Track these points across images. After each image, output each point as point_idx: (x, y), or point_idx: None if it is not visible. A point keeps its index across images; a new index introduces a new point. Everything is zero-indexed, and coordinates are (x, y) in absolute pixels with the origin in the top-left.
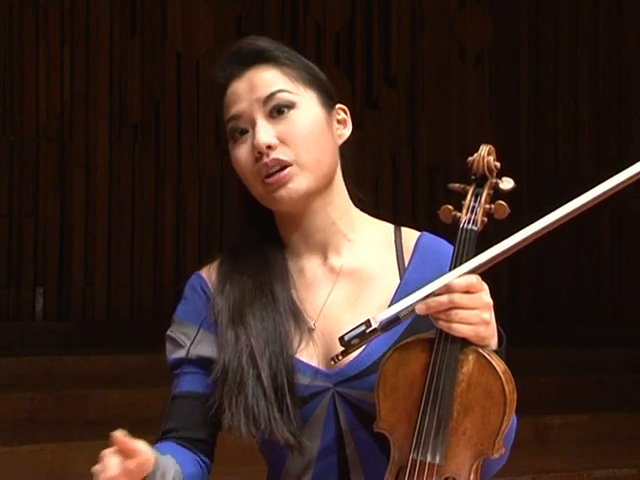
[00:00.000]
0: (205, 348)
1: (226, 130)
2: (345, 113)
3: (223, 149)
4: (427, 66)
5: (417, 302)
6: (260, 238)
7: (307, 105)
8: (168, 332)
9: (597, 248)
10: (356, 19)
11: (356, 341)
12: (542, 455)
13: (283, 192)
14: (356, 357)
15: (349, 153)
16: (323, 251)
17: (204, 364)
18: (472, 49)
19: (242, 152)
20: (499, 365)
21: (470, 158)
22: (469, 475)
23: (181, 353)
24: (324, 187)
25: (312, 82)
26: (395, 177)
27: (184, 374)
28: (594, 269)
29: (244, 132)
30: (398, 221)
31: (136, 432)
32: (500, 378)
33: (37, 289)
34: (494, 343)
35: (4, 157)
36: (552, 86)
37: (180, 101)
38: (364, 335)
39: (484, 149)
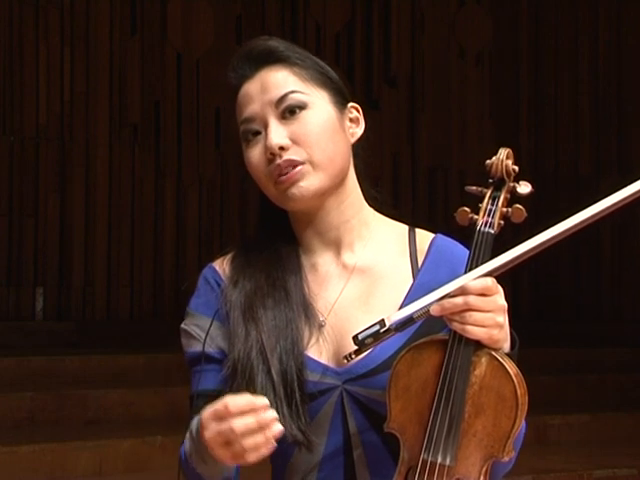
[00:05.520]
0: (223, 342)
1: (239, 132)
2: (358, 112)
3: (223, 149)
4: (427, 66)
5: (432, 303)
6: (273, 233)
7: (319, 105)
8: (182, 325)
9: (597, 247)
10: (356, 19)
11: (370, 340)
12: (542, 455)
13: (295, 190)
14: (366, 356)
15: (362, 152)
16: (336, 248)
17: (222, 360)
18: (472, 49)
19: (255, 154)
20: (511, 368)
21: (488, 161)
22: (479, 477)
23: (198, 347)
24: (337, 185)
25: (323, 82)
26: (395, 177)
27: (205, 371)
28: (594, 267)
29: (257, 134)
30: (410, 222)
31: (136, 432)
32: (512, 381)
33: (37, 289)
34: (507, 346)
35: (4, 157)
36: (552, 86)
37: (180, 101)
38: (378, 335)
39: (503, 152)
